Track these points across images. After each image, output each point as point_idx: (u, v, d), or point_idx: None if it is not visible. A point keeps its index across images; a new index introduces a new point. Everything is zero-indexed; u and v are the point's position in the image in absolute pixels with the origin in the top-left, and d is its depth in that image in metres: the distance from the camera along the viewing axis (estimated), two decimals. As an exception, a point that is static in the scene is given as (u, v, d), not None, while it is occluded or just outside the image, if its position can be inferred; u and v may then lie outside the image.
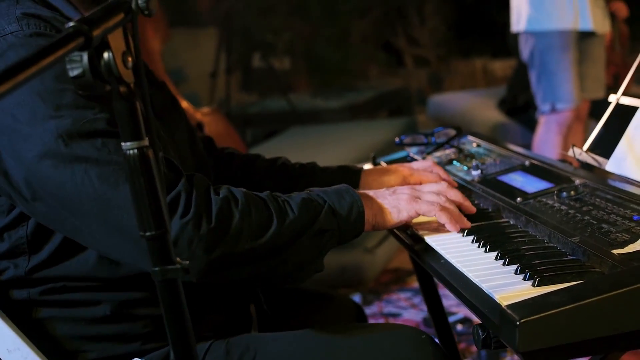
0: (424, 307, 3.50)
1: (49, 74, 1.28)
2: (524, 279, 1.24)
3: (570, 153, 1.81)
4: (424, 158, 2.13)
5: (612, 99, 1.81)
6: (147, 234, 0.96)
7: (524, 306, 1.09)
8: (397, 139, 2.23)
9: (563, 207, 1.50)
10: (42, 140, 1.27)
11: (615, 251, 1.23)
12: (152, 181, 0.95)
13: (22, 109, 1.28)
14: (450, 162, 2.06)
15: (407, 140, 2.24)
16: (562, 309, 1.06)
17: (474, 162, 1.94)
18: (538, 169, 1.78)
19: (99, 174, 1.27)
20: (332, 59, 8.45)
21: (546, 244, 1.40)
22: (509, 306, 1.10)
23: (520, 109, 5.02)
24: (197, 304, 1.47)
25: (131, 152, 0.94)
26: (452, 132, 2.21)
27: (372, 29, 9.48)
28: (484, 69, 9.86)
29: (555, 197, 1.57)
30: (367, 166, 2.19)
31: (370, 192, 1.54)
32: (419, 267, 2.25)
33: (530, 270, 1.25)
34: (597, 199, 1.49)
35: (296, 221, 1.39)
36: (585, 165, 1.79)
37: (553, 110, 3.94)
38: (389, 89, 7.05)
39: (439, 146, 2.16)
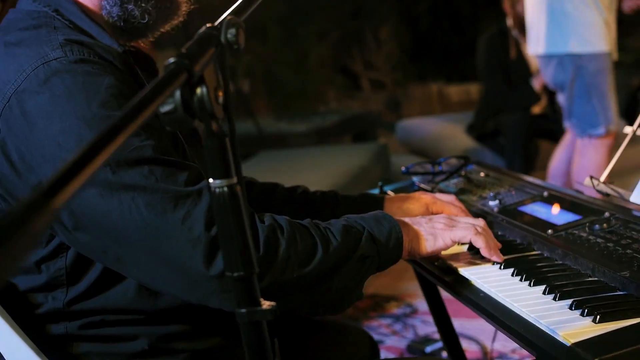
0: (406, 334, 3.50)
1: (96, 101, 1.24)
2: (582, 314, 1.23)
3: (587, 183, 1.82)
4: (433, 188, 2.12)
5: (628, 130, 1.82)
6: (235, 274, 0.92)
7: (595, 344, 1.08)
8: (403, 168, 2.23)
9: (599, 240, 1.50)
10: None
11: (673, 287, 1.23)
12: (241, 220, 0.91)
13: (67, 136, 1.23)
14: (461, 191, 2.05)
15: (413, 169, 2.24)
16: (635, 347, 1.06)
17: (489, 192, 1.94)
18: (558, 200, 1.79)
19: (146, 202, 1.23)
20: (291, 82, 8.46)
21: (591, 278, 1.40)
22: (578, 344, 1.09)
23: (490, 135, 5.08)
24: (223, 339, 1.44)
25: (220, 190, 0.90)
26: (459, 161, 2.21)
27: (329, 52, 9.54)
28: (440, 93, 10.00)
29: (587, 229, 1.57)
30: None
31: (407, 219, 1.53)
32: (432, 295, 2.24)
33: (586, 305, 1.24)
34: (632, 232, 1.50)
35: (340, 248, 1.37)
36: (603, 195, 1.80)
37: (608, 133, 3.92)
38: (353, 113, 7.08)
39: (449, 175, 2.15)
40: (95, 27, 1.39)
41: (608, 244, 1.47)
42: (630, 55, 10.14)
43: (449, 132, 5.31)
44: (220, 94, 0.89)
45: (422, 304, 3.81)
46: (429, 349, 3.25)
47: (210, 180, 0.91)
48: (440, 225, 1.52)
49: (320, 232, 1.37)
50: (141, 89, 1.37)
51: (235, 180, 0.91)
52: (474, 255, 1.58)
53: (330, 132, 6.39)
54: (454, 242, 1.52)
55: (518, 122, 4.88)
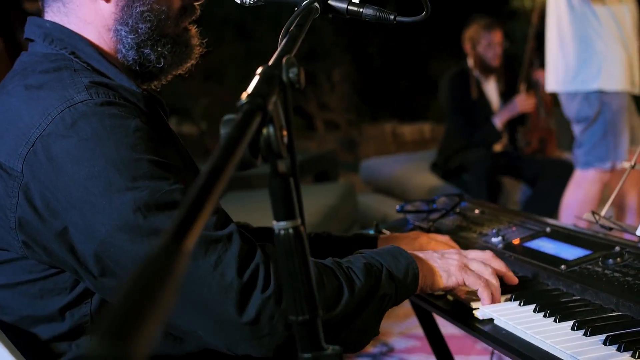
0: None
1: (125, 144, 1.21)
2: (619, 350, 1.23)
3: (587, 217, 1.84)
4: (429, 227, 2.12)
5: (626, 165, 1.86)
6: (300, 318, 0.89)
7: (644, 380, 1.08)
8: (397, 206, 2.22)
9: (617, 275, 1.51)
10: (119, 212, 1.19)
11: None
12: (306, 262, 0.89)
13: (96, 180, 1.20)
14: (459, 229, 2.06)
15: (408, 207, 2.23)
16: None
17: (490, 229, 1.94)
18: (562, 235, 1.80)
19: None
20: (249, 123, 8.42)
21: (617, 313, 1.40)
22: (624, 380, 1.09)
23: (454, 172, 5.14)
24: None
25: (285, 232, 0.88)
26: (454, 198, 2.22)
27: (285, 94, 9.56)
28: (394, 132, 10.11)
29: (600, 264, 1.58)
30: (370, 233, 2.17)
31: (420, 254, 1.52)
32: (432, 332, 2.22)
33: (622, 341, 1.24)
34: (648, 266, 1.51)
35: (363, 288, 1.36)
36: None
37: (612, 169, 3.97)
38: (313, 153, 7.08)
39: (446, 213, 2.15)
40: (113, 69, 1.36)
41: (627, 278, 1.48)
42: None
43: (414, 170, 5.35)
44: (285, 133, 0.87)
45: (397, 343, 3.80)
46: (408, 387, 3.22)
47: (274, 222, 0.89)
48: (454, 262, 1.52)
49: (345, 273, 1.35)
50: (166, 130, 1.34)
51: (299, 221, 0.89)
52: None
53: (292, 172, 6.34)
54: (465, 284, 1.52)
55: (481, 160, 4.95)
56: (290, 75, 0.90)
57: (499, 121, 5.09)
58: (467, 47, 5.16)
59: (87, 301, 1.31)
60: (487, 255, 1.59)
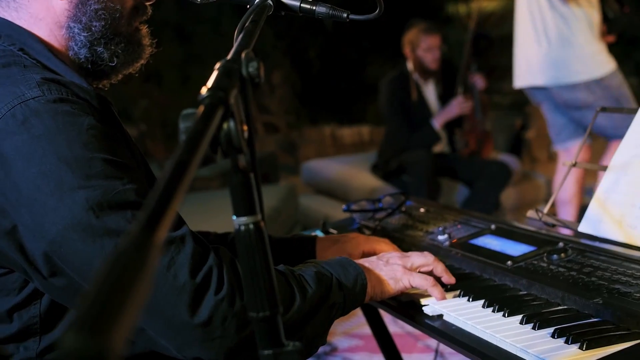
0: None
1: (77, 142, 1.18)
2: (567, 342, 1.26)
3: (530, 215, 1.88)
4: (376, 226, 2.14)
5: (568, 163, 1.90)
6: (260, 314, 0.88)
7: (593, 371, 1.11)
8: (344, 206, 2.23)
9: (561, 269, 1.55)
10: (70, 211, 1.16)
11: (650, 311, 1.28)
12: (267, 258, 0.88)
13: (47, 178, 1.16)
14: (405, 227, 2.08)
15: (354, 207, 2.24)
16: None
17: (436, 227, 1.97)
18: (507, 232, 1.84)
19: None
20: (187, 125, 8.34)
21: (562, 307, 1.44)
22: (574, 371, 1.11)
23: (394, 173, 5.19)
24: None
25: (245, 227, 0.87)
26: (399, 197, 2.24)
27: (224, 96, 9.50)
28: (333, 135, 10.16)
29: (545, 259, 1.62)
30: (317, 233, 2.17)
31: (366, 263, 1.54)
32: (378, 328, 2.23)
33: (569, 333, 1.27)
34: (592, 260, 1.55)
35: (314, 296, 1.36)
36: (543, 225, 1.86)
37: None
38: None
39: (392, 212, 2.17)
40: (63, 66, 1.33)
41: (571, 273, 1.52)
42: (507, 97, 10.70)
43: (354, 171, 5.38)
44: (245, 128, 0.86)
45: (341, 342, 3.81)
46: (353, 387, 3.24)
47: (234, 217, 0.88)
48: (399, 267, 1.54)
49: (297, 280, 1.36)
50: (118, 129, 1.31)
51: (259, 217, 0.88)
52: None
53: (233, 175, 6.31)
54: (412, 287, 1.54)
55: (421, 161, 5.01)
56: (250, 69, 0.89)
57: (437, 123, 5.16)
58: (407, 50, 5.21)
59: (36, 302, 1.28)
60: (429, 258, 1.61)
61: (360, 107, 10.61)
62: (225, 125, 0.83)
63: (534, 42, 4.15)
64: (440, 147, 5.33)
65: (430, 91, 5.32)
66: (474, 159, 5.26)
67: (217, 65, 0.90)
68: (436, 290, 1.54)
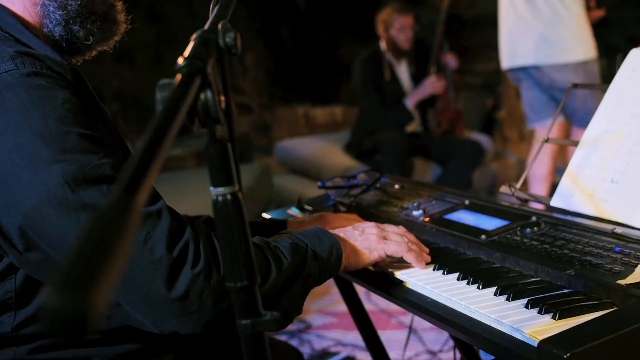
0: (304, 350, 3.50)
1: (52, 116, 1.17)
2: (540, 312, 1.28)
3: (503, 190, 1.90)
4: (350, 202, 2.14)
5: (540, 139, 1.92)
6: (238, 284, 0.88)
7: (565, 339, 1.12)
8: (319, 183, 2.24)
9: (534, 243, 1.57)
10: (45, 186, 1.14)
11: (620, 282, 1.30)
12: (244, 228, 0.88)
13: (21, 152, 1.15)
14: (380, 203, 2.09)
15: (329, 184, 2.25)
16: (603, 340, 1.10)
17: (411, 203, 1.98)
18: (480, 207, 1.86)
19: None
20: (160, 106, 8.28)
21: (536, 278, 1.46)
22: (547, 340, 1.12)
23: (367, 153, 5.21)
24: (175, 356, 1.39)
25: (223, 197, 0.87)
26: (373, 174, 2.25)
27: (197, 76, 9.44)
28: (306, 115, 10.15)
29: (519, 233, 1.64)
30: (292, 210, 2.18)
31: (341, 233, 1.55)
32: (353, 304, 2.25)
33: (542, 304, 1.29)
34: (564, 234, 1.58)
35: (289, 267, 1.37)
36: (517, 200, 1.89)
37: None
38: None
39: (367, 188, 2.18)
40: (37, 40, 1.31)
41: (544, 246, 1.54)
42: (479, 78, 10.76)
43: (328, 151, 5.39)
44: (222, 99, 0.86)
45: (315, 320, 3.84)
46: (328, 361, 3.28)
47: (212, 188, 0.88)
48: (374, 237, 1.55)
49: (272, 252, 1.36)
50: (94, 103, 1.30)
51: (237, 187, 0.88)
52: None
53: (206, 154, 6.29)
54: (387, 255, 1.55)
55: (394, 140, 5.03)
56: (227, 39, 0.89)
57: (410, 103, 5.18)
58: (380, 29, 5.21)
59: (12, 277, 1.27)
60: (402, 229, 1.63)
61: (334, 87, 10.60)
62: (202, 95, 0.83)
63: (527, 21, 4.18)
64: (413, 126, 5.35)
65: (403, 71, 5.33)
66: (447, 138, 5.29)
67: (194, 36, 0.89)
68: (411, 256, 1.55)
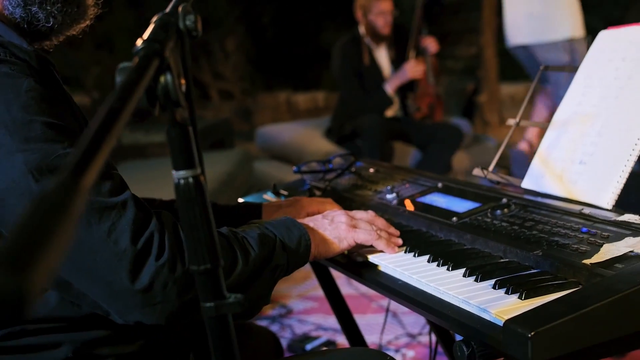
0: (284, 334, 3.53)
1: (15, 104, 1.16)
2: (507, 292, 1.29)
3: (476, 173, 1.91)
4: (325, 186, 2.15)
5: (511, 122, 1.94)
6: (202, 267, 0.89)
7: (529, 318, 1.13)
8: (294, 168, 2.24)
9: (504, 224, 1.58)
10: (8, 175, 1.14)
11: (585, 261, 1.32)
12: (206, 211, 0.89)
13: None
14: (355, 187, 2.10)
15: (304, 168, 2.26)
16: (566, 318, 1.11)
17: (385, 187, 1.99)
18: (453, 189, 1.87)
19: None
20: (141, 93, 8.25)
21: (504, 260, 1.47)
22: (512, 320, 1.14)
23: (347, 138, 5.21)
24: (146, 342, 1.40)
25: (185, 181, 0.88)
26: (348, 158, 2.26)
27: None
28: (288, 101, 10.14)
29: (489, 215, 1.66)
30: (267, 196, 2.18)
31: (311, 223, 1.55)
32: (330, 289, 2.26)
33: (510, 284, 1.30)
34: (533, 215, 1.59)
35: (257, 258, 1.37)
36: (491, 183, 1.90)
37: None
38: (208, 122, 7.01)
39: (342, 172, 2.19)
40: (2, 25, 1.30)
41: (514, 227, 1.55)
42: (460, 62, 10.78)
43: (309, 136, 5.39)
44: (183, 82, 0.86)
45: (296, 304, 3.86)
46: (309, 346, 3.30)
47: (174, 171, 0.88)
48: (343, 226, 1.56)
49: (240, 243, 1.36)
50: (60, 92, 1.29)
51: (199, 170, 0.88)
52: None
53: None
54: (357, 243, 1.56)
55: (373, 125, 5.04)
56: (187, 22, 0.89)
57: (389, 87, 5.18)
58: (359, 14, 5.21)
59: None
60: (371, 214, 1.64)
61: (315, 73, 10.59)
62: (162, 79, 0.83)
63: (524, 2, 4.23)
64: (393, 111, 5.36)
65: (382, 55, 5.33)
66: (426, 123, 5.31)
67: (154, 19, 0.89)
68: (381, 243, 1.57)
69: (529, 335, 1.08)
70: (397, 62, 5.30)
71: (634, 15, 6.92)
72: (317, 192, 2.17)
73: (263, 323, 3.71)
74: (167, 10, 0.92)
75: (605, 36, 1.75)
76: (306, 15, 10.62)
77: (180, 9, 0.90)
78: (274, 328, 3.65)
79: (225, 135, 6.12)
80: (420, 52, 5.28)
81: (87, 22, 1.46)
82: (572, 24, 4.15)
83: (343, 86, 5.32)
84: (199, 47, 9.67)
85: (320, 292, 3.95)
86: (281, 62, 10.74)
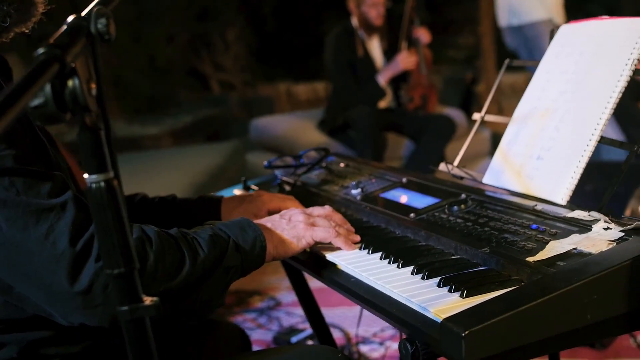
0: (272, 327, 3.53)
1: None
2: (450, 291, 1.29)
3: (442, 168, 1.91)
4: (295, 181, 2.16)
5: (477, 117, 1.94)
6: (116, 271, 0.90)
7: (465, 317, 1.13)
8: (265, 162, 2.25)
9: (459, 221, 1.58)
10: None
11: (529, 259, 1.32)
12: (120, 215, 0.89)
13: None
14: (323, 182, 2.10)
15: (276, 162, 2.26)
16: (501, 317, 1.11)
17: (351, 182, 1.99)
18: (416, 185, 1.87)
19: (6, 216, 1.17)
20: (141, 85, 8.29)
21: (454, 257, 1.47)
22: (449, 319, 1.14)
23: (340, 129, 5.21)
24: (94, 342, 1.40)
25: (96, 185, 0.88)
26: (321, 153, 2.26)
27: (178, 55, 9.43)
28: (288, 92, 10.13)
29: (446, 211, 1.66)
30: (237, 190, 2.19)
31: (268, 224, 1.55)
32: (300, 286, 2.27)
33: (453, 282, 1.30)
34: (488, 211, 1.59)
35: (206, 260, 1.36)
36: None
37: None
38: (205, 113, 7.02)
39: (311, 167, 2.19)
40: None
41: (467, 224, 1.55)
42: (462, 52, 10.74)
43: (301, 128, 5.39)
44: (93, 86, 0.87)
45: (285, 297, 3.87)
46: (294, 339, 3.31)
47: (86, 175, 0.88)
48: (301, 225, 1.56)
49: (188, 244, 1.36)
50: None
51: (111, 174, 0.89)
52: None
53: (184, 133, 6.31)
54: (315, 242, 1.56)
55: (366, 116, 5.03)
56: (99, 26, 0.89)
57: (382, 79, 5.17)
58: (352, 6, 5.19)
59: None
60: (328, 210, 1.64)
61: (316, 63, 10.56)
62: (70, 83, 0.84)
63: None
64: (386, 102, 5.35)
65: (375, 47, 5.31)
66: (419, 113, 5.29)
67: (67, 20, 0.89)
68: (339, 241, 1.57)
69: (463, 335, 1.08)
70: (390, 53, 5.28)
71: (629, 4, 6.88)
72: (287, 187, 2.18)
73: (251, 315, 3.73)
74: (84, 13, 0.92)
75: (566, 30, 1.74)
76: (307, 6, 10.60)
77: (94, 11, 0.90)
78: (262, 320, 3.66)
79: (221, 127, 6.12)
80: (413, 43, 5.26)
81: (36, 20, 1.45)
82: (547, 6, 4.13)
83: (336, 78, 5.31)
84: (200, 38, 9.68)
85: (310, 284, 3.97)
86: (282, 52, 10.73)
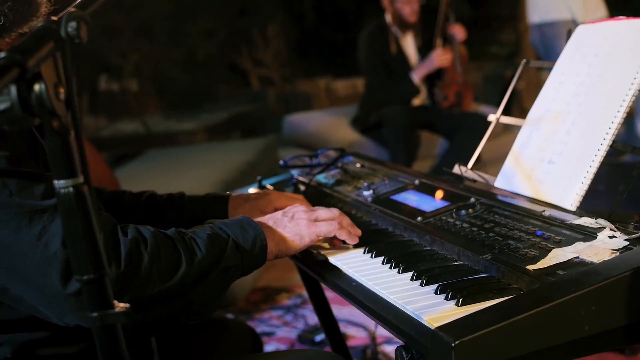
0: (297, 324, 3.52)
1: None
2: (446, 298, 1.26)
3: (455, 170, 1.87)
4: (309, 181, 2.14)
5: (492, 118, 1.89)
6: (85, 277, 0.89)
7: (456, 327, 1.10)
8: (281, 162, 2.23)
9: (465, 225, 1.54)
10: None
11: (529, 267, 1.28)
12: (89, 221, 0.88)
13: None
14: (338, 183, 2.07)
15: (291, 162, 2.24)
16: (493, 327, 1.08)
17: (364, 183, 1.96)
18: (428, 188, 1.84)
19: None
20: (180, 80, 8.36)
21: (457, 262, 1.44)
22: (440, 328, 1.11)
23: (373, 127, 5.17)
24: (89, 343, 1.40)
25: (65, 190, 0.87)
26: (337, 152, 2.23)
27: (217, 50, 9.49)
28: (327, 88, 10.10)
29: (454, 215, 1.62)
30: (253, 189, 2.18)
31: (270, 222, 1.53)
32: (312, 286, 2.25)
33: (450, 290, 1.27)
34: (495, 216, 1.55)
35: (204, 260, 1.35)
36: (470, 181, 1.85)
37: None
38: (242, 109, 7.04)
39: (325, 167, 2.17)
40: None
41: (473, 229, 1.51)
42: (504, 48, 10.58)
43: (334, 125, 5.36)
44: (62, 90, 0.86)
45: (312, 295, 3.85)
46: (318, 337, 3.29)
47: (55, 181, 0.88)
48: (304, 222, 1.53)
49: (185, 244, 1.35)
50: None
51: (81, 179, 0.88)
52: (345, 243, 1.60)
53: (220, 129, 6.35)
54: (319, 237, 1.54)
55: (399, 115, 4.98)
56: (69, 29, 0.88)
57: (416, 76, 5.11)
58: (385, 2, 5.14)
59: None
60: (334, 211, 1.61)
61: (356, 59, 10.52)
62: (36, 88, 0.83)
63: None
64: (420, 100, 5.29)
65: (409, 44, 5.25)
66: (453, 111, 5.22)
67: (37, 25, 0.89)
68: (343, 233, 1.55)
69: (453, 345, 1.06)
70: (424, 50, 5.22)
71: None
72: (302, 187, 2.16)
73: (277, 313, 3.72)
74: (57, 17, 0.92)
75: (582, 31, 1.69)
76: (347, 1, 10.55)
77: (65, 15, 0.90)
78: (288, 318, 3.65)
79: (257, 123, 6.13)
80: (448, 40, 5.18)
81: (40, 20, 1.45)
82: (570, 7, 4.03)
83: (369, 75, 5.27)
84: (239, 33, 9.72)
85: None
86: (321, 48, 10.71)
